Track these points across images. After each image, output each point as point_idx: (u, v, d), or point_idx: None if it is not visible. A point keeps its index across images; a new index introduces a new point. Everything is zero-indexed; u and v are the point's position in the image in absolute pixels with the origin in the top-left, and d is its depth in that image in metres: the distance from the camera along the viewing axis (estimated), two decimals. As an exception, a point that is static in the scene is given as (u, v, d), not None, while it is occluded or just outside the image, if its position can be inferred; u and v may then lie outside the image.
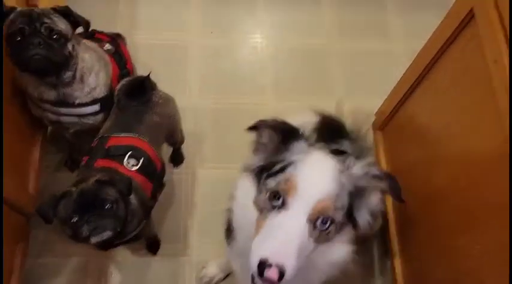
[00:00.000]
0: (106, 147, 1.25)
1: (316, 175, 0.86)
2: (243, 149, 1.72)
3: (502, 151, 0.92)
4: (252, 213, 0.91)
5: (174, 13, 2.04)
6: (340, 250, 0.94)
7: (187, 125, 1.77)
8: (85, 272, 1.52)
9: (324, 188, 0.84)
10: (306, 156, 0.90)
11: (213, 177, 1.72)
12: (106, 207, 1.06)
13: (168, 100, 1.45)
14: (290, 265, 0.76)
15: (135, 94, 1.35)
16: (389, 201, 1.50)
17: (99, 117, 1.40)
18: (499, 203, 0.95)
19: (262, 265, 0.76)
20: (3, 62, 1.25)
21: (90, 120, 1.40)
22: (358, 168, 0.89)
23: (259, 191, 0.91)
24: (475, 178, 1.06)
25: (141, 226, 1.24)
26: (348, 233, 0.93)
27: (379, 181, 0.89)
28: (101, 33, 1.55)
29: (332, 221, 0.84)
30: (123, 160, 1.23)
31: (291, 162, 0.88)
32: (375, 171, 0.89)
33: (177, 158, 1.71)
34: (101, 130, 1.34)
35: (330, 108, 1.47)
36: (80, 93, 1.34)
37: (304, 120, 1.30)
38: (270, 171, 0.90)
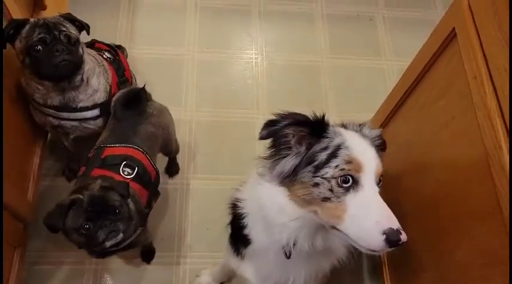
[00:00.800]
0: (102, 157, 1.30)
1: (365, 148, 0.93)
2: (236, 161, 1.80)
3: (483, 160, 0.98)
4: (286, 212, 0.95)
5: (172, 28, 2.11)
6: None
7: (183, 137, 1.82)
8: (80, 280, 1.54)
9: (375, 155, 0.93)
10: (343, 135, 0.94)
11: (206, 187, 1.76)
12: (117, 211, 1.11)
13: (163, 111, 1.50)
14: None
15: (131, 105, 1.40)
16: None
17: (99, 121, 1.45)
18: (482, 210, 1.01)
19: (393, 234, 0.82)
20: (2, 71, 1.28)
21: (90, 125, 1.45)
22: (368, 132, 1.01)
23: (304, 186, 0.92)
24: (460, 185, 1.12)
25: (137, 233, 1.27)
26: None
27: (379, 140, 1.03)
28: (101, 42, 1.62)
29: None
30: (119, 169, 1.28)
31: (338, 146, 0.91)
32: (378, 133, 1.04)
33: (172, 168, 1.75)
34: (98, 141, 1.38)
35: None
36: (84, 96, 1.39)
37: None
38: (312, 163, 0.91)
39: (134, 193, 1.26)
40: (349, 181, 0.88)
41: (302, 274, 1.12)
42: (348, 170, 0.88)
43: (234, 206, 1.14)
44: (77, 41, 1.31)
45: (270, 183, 0.96)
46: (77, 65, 1.31)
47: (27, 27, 1.25)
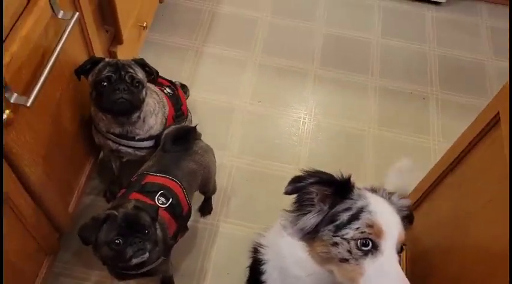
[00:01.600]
0: (143, 183, 1.38)
1: (389, 214, 0.94)
2: (268, 212, 1.83)
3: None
4: (304, 266, 0.97)
5: (230, 78, 2.25)
6: None
7: (221, 180, 1.89)
8: (97, 299, 1.59)
9: (398, 222, 0.94)
10: (368, 198, 0.95)
11: (234, 232, 1.79)
12: (146, 231, 1.17)
13: (207, 151, 1.58)
14: None
15: (180, 141, 1.49)
16: None
17: (151, 150, 1.56)
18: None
19: None
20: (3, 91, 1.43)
21: (143, 153, 1.57)
22: (397, 200, 1.01)
23: (324, 244, 0.93)
24: (484, 274, 1.08)
25: (159, 261, 1.32)
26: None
27: (407, 211, 1.02)
28: (163, 78, 1.76)
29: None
30: (154, 197, 1.35)
31: (361, 208, 0.92)
32: (407, 203, 1.03)
33: (205, 208, 1.81)
34: (142, 168, 1.47)
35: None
36: (140, 131, 1.52)
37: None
38: (334, 222, 0.93)
39: (163, 221, 1.32)
40: (369, 245, 0.89)
41: None
42: (369, 234, 0.89)
43: (255, 250, 1.17)
44: (140, 83, 1.43)
45: (292, 236, 0.99)
46: (135, 105, 1.42)
47: (101, 64, 1.40)
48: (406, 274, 0.90)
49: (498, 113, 1.16)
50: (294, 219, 1.00)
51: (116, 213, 1.16)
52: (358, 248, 0.89)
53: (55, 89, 1.31)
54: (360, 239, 0.89)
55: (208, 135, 1.94)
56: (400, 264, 0.90)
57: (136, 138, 1.52)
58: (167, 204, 1.36)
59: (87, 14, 1.38)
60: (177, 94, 1.73)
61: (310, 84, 2.30)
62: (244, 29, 2.46)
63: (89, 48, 1.48)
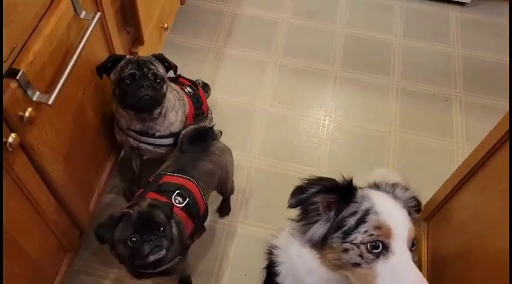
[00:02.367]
0: (160, 183, 1.39)
1: (395, 211, 0.92)
2: (287, 214, 1.81)
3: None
4: (317, 274, 0.96)
5: (250, 80, 2.25)
6: None
7: (240, 181, 1.89)
8: (116, 297, 1.61)
9: (406, 218, 0.92)
10: (372, 198, 0.93)
11: (252, 234, 1.79)
12: (161, 229, 1.17)
13: (225, 152, 1.58)
14: None
15: (197, 141, 1.50)
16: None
17: (171, 147, 1.57)
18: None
19: None
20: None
21: (163, 150, 1.58)
22: (401, 193, 0.98)
23: (334, 251, 0.92)
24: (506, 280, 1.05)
25: (175, 260, 1.32)
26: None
27: (414, 202, 1.00)
28: (184, 78, 1.78)
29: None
30: (171, 197, 1.36)
31: (367, 211, 0.91)
32: (412, 194, 0.99)
33: (224, 209, 1.81)
34: (160, 168, 1.48)
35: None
36: (161, 127, 1.53)
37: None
38: (341, 228, 0.91)
39: (180, 220, 1.32)
40: (379, 247, 0.88)
41: None
42: (377, 236, 0.88)
43: (270, 253, 1.16)
44: (162, 79, 1.45)
45: (301, 246, 0.98)
46: (158, 101, 1.45)
47: (122, 62, 1.42)
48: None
49: (523, 115, 1.13)
50: (301, 229, 0.98)
51: (131, 211, 1.17)
52: (369, 252, 0.88)
53: (77, 88, 1.33)
54: (370, 242, 0.88)
55: (228, 136, 1.95)
56: (413, 260, 0.88)
57: (157, 134, 1.54)
58: (184, 204, 1.36)
59: (109, 15, 1.40)
60: (198, 94, 1.75)
61: (330, 85, 2.28)
62: (265, 30, 2.46)
63: (110, 48, 1.50)
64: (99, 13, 1.23)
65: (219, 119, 1.99)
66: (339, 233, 0.92)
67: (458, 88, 2.32)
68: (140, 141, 1.55)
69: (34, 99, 1.04)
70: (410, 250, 0.89)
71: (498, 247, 1.13)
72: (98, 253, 1.66)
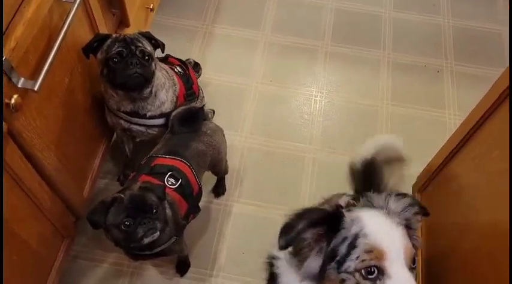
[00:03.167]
0: (152, 165, 1.39)
1: (386, 230, 0.87)
2: (281, 191, 1.83)
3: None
4: None
5: (240, 59, 2.23)
6: None
7: (233, 161, 1.89)
8: (116, 281, 1.62)
9: (400, 237, 0.86)
10: (362, 220, 0.88)
11: (248, 213, 1.80)
12: (154, 211, 1.18)
13: (216, 132, 1.57)
14: None
15: (188, 122, 1.49)
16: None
17: (163, 129, 1.56)
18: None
19: None
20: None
21: (155, 131, 1.58)
22: (395, 205, 0.92)
23: (333, 283, 0.89)
24: (493, 251, 1.07)
25: (171, 241, 1.33)
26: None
27: (414, 208, 0.94)
28: (174, 57, 1.76)
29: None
30: (164, 178, 1.36)
31: (356, 235, 0.86)
32: (409, 201, 0.94)
33: (219, 189, 1.82)
34: (152, 151, 1.48)
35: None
36: (152, 107, 1.52)
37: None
38: (335, 258, 0.88)
39: (174, 201, 1.33)
40: (374, 272, 0.83)
41: None
42: (370, 260, 0.83)
43: (271, 264, 1.10)
44: (150, 56, 1.43)
45: (302, 281, 0.94)
46: (148, 78, 1.43)
47: (108, 41, 1.40)
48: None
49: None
50: (297, 263, 0.95)
51: (122, 196, 1.17)
52: (365, 278, 0.84)
53: (63, 73, 1.31)
54: (363, 268, 0.83)
55: (220, 116, 1.94)
56: (415, 280, 0.83)
57: (148, 115, 1.53)
58: (177, 185, 1.36)
59: (91, -3, 1.37)
60: (188, 74, 1.73)
61: (321, 61, 2.26)
62: (252, 8, 2.42)
63: (96, 31, 1.47)
64: (81, -5, 1.20)
65: (210, 99, 1.97)
66: (333, 264, 0.88)
67: (449, 58, 2.31)
68: (131, 122, 1.54)
69: (19, 85, 1.03)
70: (411, 270, 0.84)
71: (489, 216, 1.15)
72: (94, 238, 1.67)
